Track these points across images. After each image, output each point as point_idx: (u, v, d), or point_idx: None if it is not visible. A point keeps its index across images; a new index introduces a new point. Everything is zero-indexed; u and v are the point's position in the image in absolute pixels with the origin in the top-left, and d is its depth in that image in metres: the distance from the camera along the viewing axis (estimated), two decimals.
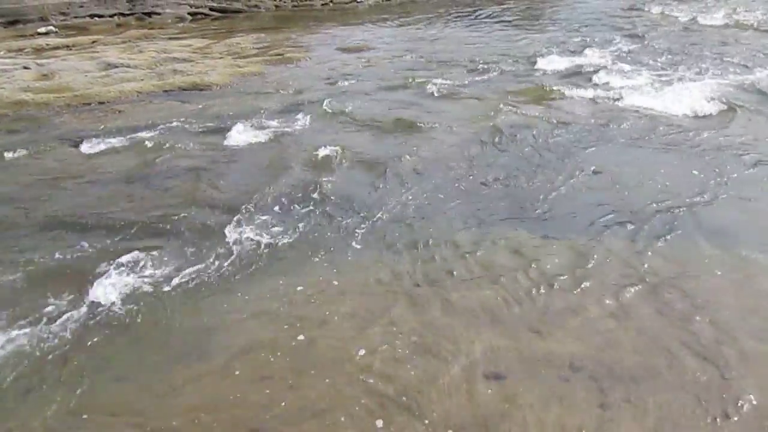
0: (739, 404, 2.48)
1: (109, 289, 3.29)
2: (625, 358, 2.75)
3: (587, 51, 9.47)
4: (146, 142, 5.72)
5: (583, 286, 3.30)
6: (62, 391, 2.64)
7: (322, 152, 5.29)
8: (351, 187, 4.64)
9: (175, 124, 6.29)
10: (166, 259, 3.60)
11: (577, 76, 8.00)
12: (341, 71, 8.72)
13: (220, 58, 9.82)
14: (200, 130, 6.11)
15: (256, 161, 5.25)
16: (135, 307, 3.18)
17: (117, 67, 8.90)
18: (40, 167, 5.21)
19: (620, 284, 3.30)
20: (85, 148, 5.64)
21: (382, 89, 7.72)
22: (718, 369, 2.67)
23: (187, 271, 3.49)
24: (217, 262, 3.58)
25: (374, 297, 3.25)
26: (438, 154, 5.30)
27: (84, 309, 3.15)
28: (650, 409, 2.47)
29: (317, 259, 3.63)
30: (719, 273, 3.41)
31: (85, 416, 2.52)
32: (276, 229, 3.97)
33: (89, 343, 2.93)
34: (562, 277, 3.37)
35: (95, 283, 3.33)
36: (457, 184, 4.66)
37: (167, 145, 5.63)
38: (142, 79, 8.16)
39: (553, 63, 8.75)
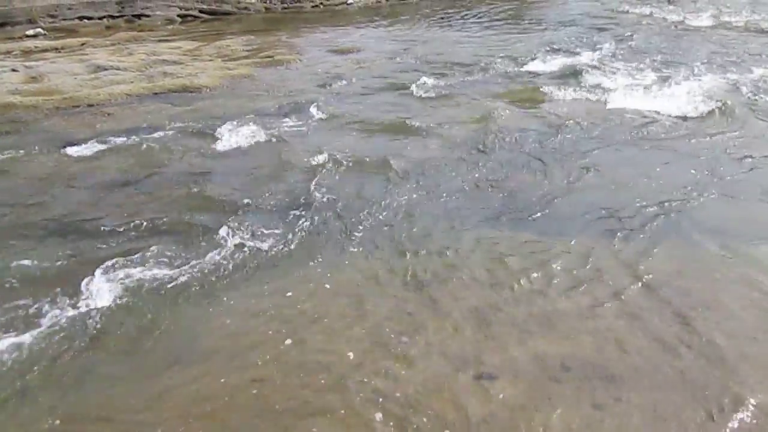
0: (733, 404, 2.48)
1: (97, 293, 3.26)
2: (619, 358, 2.76)
3: (578, 51, 9.52)
4: (136, 145, 5.68)
5: (575, 286, 3.30)
6: (51, 396, 2.61)
7: (313, 155, 5.27)
8: (343, 189, 4.63)
9: (165, 126, 6.25)
10: (155, 262, 3.57)
11: (569, 76, 8.02)
12: (332, 73, 8.70)
13: (210, 60, 9.77)
14: (190, 132, 6.08)
15: (247, 164, 5.23)
16: (124, 311, 3.16)
17: (106, 69, 8.83)
18: (28, 170, 5.15)
19: (614, 284, 3.31)
20: (74, 151, 5.58)
21: (373, 91, 7.72)
22: (715, 368, 2.68)
23: (177, 274, 3.47)
24: (207, 266, 3.56)
25: (365, 299, 3.24)
26: (430, 156, 5.29)
27: (72, 313, 3.11)
28: (644, 409, 2.47)
29: (309, 263, 3.61)
30: (716, 272, 3.43)
31: (74, 420, 2.49)
32: (266, 232, 3.94)
33: (78, 347, 2.90)
34: (555, 278, 3.38)
35: (83, 288, 3.30)
36: (449, 186, 4.66)
37: (157, 147, 5.59)
38: (131, 82, 8.11)
39: (543, 64, 8.78)
